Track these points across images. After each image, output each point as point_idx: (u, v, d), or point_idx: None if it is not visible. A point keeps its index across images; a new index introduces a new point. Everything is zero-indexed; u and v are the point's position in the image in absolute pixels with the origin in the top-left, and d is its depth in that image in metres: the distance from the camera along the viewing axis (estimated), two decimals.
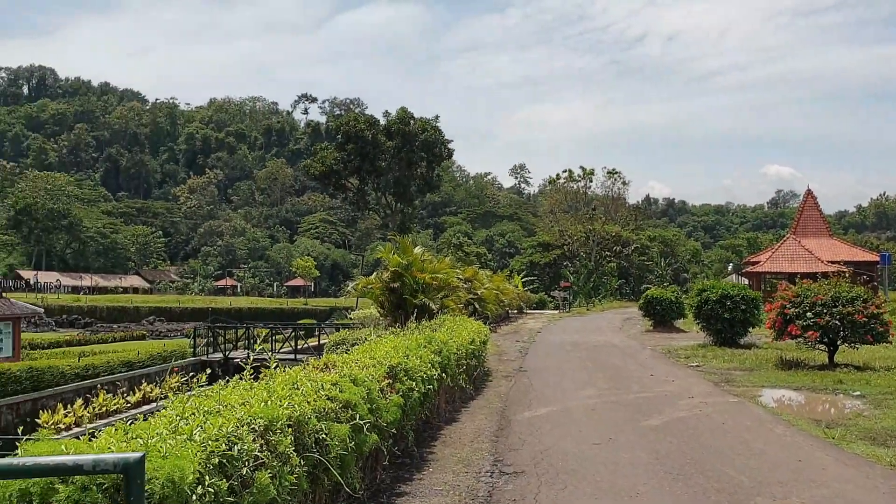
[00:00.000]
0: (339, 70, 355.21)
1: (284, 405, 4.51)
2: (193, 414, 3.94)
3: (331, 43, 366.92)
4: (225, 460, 3.51)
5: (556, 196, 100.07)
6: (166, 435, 3.43)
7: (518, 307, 51.57)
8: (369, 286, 21.53)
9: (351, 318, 32.74)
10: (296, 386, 5.23)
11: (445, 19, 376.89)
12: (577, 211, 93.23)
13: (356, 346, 10.45)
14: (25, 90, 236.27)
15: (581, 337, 31.07)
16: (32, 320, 53.21)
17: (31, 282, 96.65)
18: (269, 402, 4.39)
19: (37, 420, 19.81)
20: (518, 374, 18.74)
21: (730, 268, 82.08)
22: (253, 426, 3.95)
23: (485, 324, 21.82)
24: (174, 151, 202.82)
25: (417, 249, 21.94)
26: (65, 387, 21.56)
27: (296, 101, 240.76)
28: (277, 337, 31.14)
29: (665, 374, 18.43)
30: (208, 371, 28.64)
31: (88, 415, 21.65)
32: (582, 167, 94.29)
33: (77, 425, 21.10)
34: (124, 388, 24.10)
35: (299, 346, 29.74)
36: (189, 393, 4.75)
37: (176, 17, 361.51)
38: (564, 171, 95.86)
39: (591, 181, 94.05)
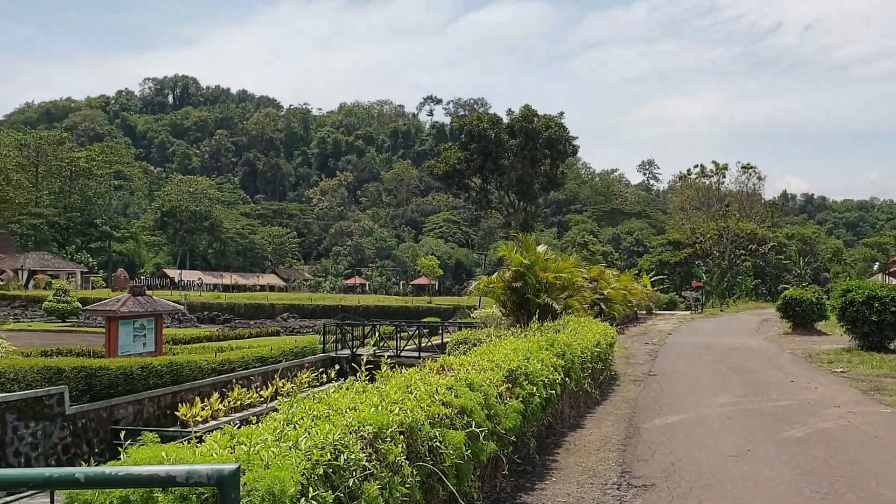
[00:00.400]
0: (463, 71, 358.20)
1: (395, 411, 4.32)
2: (302, 418, 3.81)
3: (456, 44, 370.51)
4: (331, 470, 3.34)
5: (686, 192, 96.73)
6: (271, 442, 3.30)
7: (647, 308, 50.04)
8: (490, 285, 21.33)
9: (473, 318, 32.68)
10: (409, 390, 5.04)
11: (570, 16, 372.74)
12: (709, 208, 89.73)
13: (476, 347, 10.25)
14: (170, 99, 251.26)
15: (714, 339, 29.69)
16: (176, 317, 56.28)
17: (176, 280, 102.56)
18: (380, 408, 4.21)
19: (176, 413, 20.75)
20: (647, 379, 18.00)
21: (875, 267, 76.58)
22: (361, 433, 3.77)
23: (611, 325, 21.14)
24: (307, 155, 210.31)
25: (540, 248, 21.54)
26: (202, 381, 22.49)
27: (421, 102, 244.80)
28: (402, 334, 31.47)
29: (806, 381, 17.20)
30: (337, 367, 29.43)
31: (224, 408, 22.50)
32: (714, 162, 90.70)
33: (213, 418, 21.95)
34: (258, 383, 24.96)
35: (423, 344, 29.95)
36: (303, 395, 4.65)
37: (309, 25, 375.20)
38: (696, 167, 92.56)
39: (724, 176, 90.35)
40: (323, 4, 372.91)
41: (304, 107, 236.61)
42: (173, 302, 60.55)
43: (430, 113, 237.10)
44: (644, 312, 49.51)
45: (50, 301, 54.03)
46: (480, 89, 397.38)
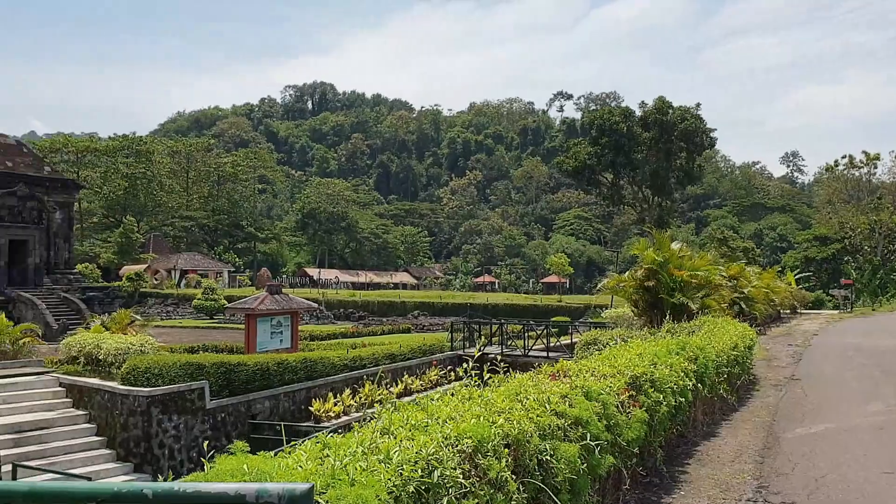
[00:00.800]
0: (594, 66, 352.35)
1: (500, 422, 4.07)
2: (399, 427, 3.63)
3: (587, 39, 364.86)
4: (423, 488, 3.13)
5: (834, 185, 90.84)
6: (360, 454, 3.13)
7: (791, 307, 47.25)
8: (621, 284, 20.66)
9: (604, 317, 31.87)
10: (519, 398, 4.77)
11: (706, 6, 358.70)
12: (859, 201, 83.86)
13: (604, 349, 9.83)
14: (309, 105, 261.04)
15: (865, 340, 27.53)
16: (314, 314, 58.28)
17: (315, 278, 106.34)
18: (484, 417, 3.97)
19: (310, 408, 21.32)
20: (790, 383, 16.83)
21: None
22: (460, 446, 3.54)
23: (751, 325, 19.97)
24: (438, 155, 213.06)
25: (675, 245, 20.67)
26: (335, 377, 23.01)
27: (551, 99, 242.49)
28: (530, 334, 31.06)
29: None
30: (464, 365, 29.47)
31: (356, 404, 22.93)
32: (865, 152, 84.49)
33: (345, 414, 22.41)
34: (388, 380, 25.28)
35: (552, 344, 29.44)
36: (408, 399, 4.48)
37: (440, 28, 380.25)
38: (844, 157, 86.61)
39: (875, 167, 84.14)
40: (453, 7, 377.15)
41: (434, 108, 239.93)
42: (311, 300, 62.86)
43: (561, 109, 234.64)
44: (788, 312, 46.77)
45: (199, 299, 57.20)
46: (612, 84, 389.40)
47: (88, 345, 19.52)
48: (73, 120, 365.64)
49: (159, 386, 17.46)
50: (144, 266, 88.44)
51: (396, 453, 3.18)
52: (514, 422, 4.19)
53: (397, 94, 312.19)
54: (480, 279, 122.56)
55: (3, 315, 25.42)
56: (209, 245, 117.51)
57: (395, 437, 3.40)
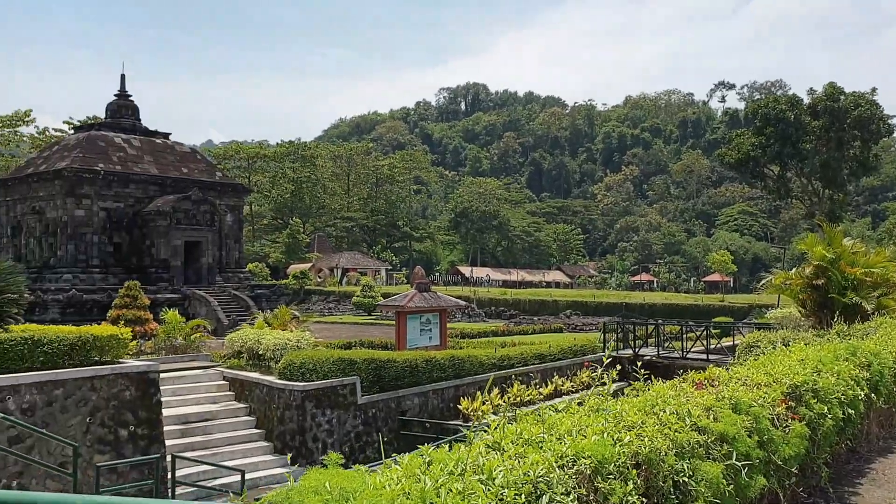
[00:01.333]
0: (758, 53, 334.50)
1: (627, 438, 3.66)
2: (511, 443, 3.33)
3: (750, 26, 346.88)
4: None
5: None
6: (459, 473, 2.85)
7: None
8: (788, 282, 19.23)
9: (768, 318, 29.93)
10: (654, 410, 4.32)
11: None
12: None
13: (763, 354, 9.05)
14: (462, 106, 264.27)
15: None
16: (466, 311, 58.85)
17: (468, 276, 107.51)
18: (608, 433, 3.59)
19: (458, 406, 21.35)
20: None
21: None
22: (577, 467, 3.18)
23: None
24: (592, 151, 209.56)
25: (847, 241, 19.01)
26: (483, 375, 22.94)
27: (712, 89, 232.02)
28: (689, 335, 29.69)
29: None
30: (618, 367, 28.54)
31: (504, 404, 22.72)
32: None
33: (494, 413, 22.25)
34: (537, 380, 24.93)
35: (712, 346, 27.97)
36: (532, 407, 4.18)
37: (592, 22, 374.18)
38: None
39: None
40: (604, 1, 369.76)
41: (588, 103, 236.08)
42: (462, 298, 63.53)
43: (723, 99, 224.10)
44: None
45: (358, 296, 59.18)
46: (777, 72, 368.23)
47: (250, 340, 20.50)
48: (245, 128, 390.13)
49: (313, 381, 18.02)
50: (309, 265, 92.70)
51: (500, 473, 2.87)
52: (646, 438, 3.77)
53: (550, 91, 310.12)
54: (637, 278, 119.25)
55: (177, 311, 27.32)
56: (368, 244, 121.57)
57: (503, 454, 3.10)
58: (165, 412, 17.96)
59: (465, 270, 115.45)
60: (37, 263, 46.24)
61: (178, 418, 17.76)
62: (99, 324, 28.70)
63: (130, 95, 52.28)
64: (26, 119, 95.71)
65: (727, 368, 6.53)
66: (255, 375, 19.22)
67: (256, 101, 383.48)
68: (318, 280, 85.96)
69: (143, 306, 26.06)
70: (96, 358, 13.95)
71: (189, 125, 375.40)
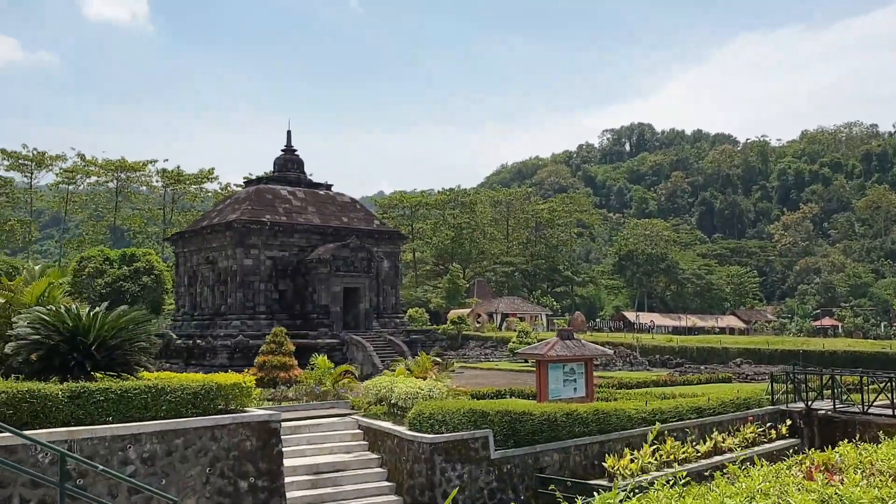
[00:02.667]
0: None
1: None
2: None
3: None
4: None
5: None
6: None
7: None
8: None
9: None
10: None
11: None
12: None
13: None
14: (627, 147, 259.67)
15: None
16: (628, 360, 56.38)
17: (633, 322, 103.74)
18: None
19: (603, 463, 19.88)
20: None
21: None
22: None
23: None
24: (766, 189, 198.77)
25: None
26: (631, 431, 21.33)
27: None
28: (872, 387, 26.43)
29: None
30: (788, 422, 25.79)
31: (655, 462, 20.99)
32: None
33: (643, 472, 20.58)
34: (693, 436, 22.92)
35: None
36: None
37: (765, 56, 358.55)
38: None
39: None
40: (781, 33, 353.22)
41: (761, 139, 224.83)
42: (624, 345, 61.07)
43: None
44: None
45: (513, 342, 58.31)
46: None
47: (383, 388, 20.17)
48: (413, 178, 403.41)
49: (442, 433, 17.31)
50: (469, 310, 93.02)
51: None
52: None
53: (719, 129, 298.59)
54: (819, 323, 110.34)
55: (329, 356, 27.71)
56: (529, 289, 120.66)
57: None
58: (298, 461, 17.89)
59: (631, 316, 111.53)
60: (210, 310, 49.09)
61: (310, 468, 17.59)
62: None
63: (296, 150, 54.97)
64: (210, 176, 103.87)
65: (856, 447, 5.10)
66: (386, 425, 18.79)
67: (424, 152, 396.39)
68: (476, 325, 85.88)
69: (288, 352, 26.60)
70: (221, 406, 13.97)
71: (363, 177, 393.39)
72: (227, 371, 30.95)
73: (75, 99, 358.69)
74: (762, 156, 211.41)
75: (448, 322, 79.98)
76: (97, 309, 13.51)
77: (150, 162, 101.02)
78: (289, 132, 54.92)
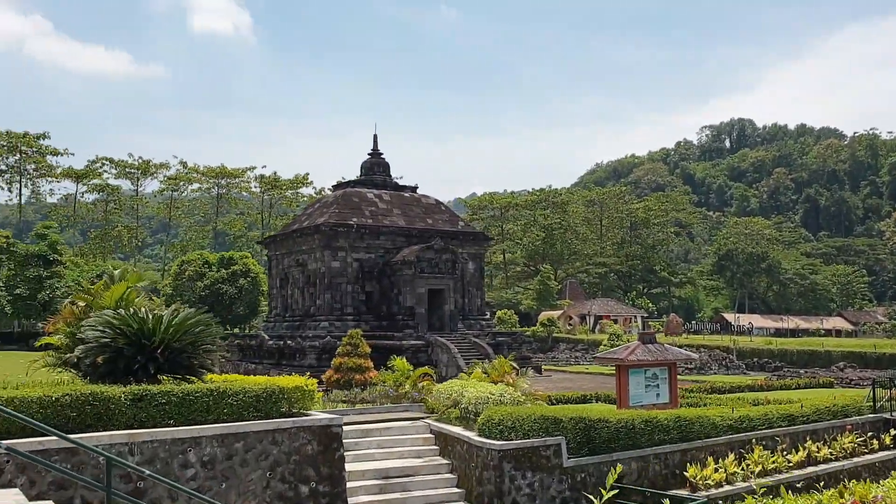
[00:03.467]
0: None
1: None
2: None
3: None
4: None
5: None
6: None
7: None
8: None
9: None
10: None
11: None
12: None
13: None
14: (727, 143, 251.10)
15: None
16: (724, 363, 54.28)
17: (733, 324, 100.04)
18: None
19: (685, 473, 18.98)
20: None
21: None
22: None
23: None
24: (876, 184, 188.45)
25: None
26: (715, 439, 20.28)
27: None
28: None
29: None
30: (892, 432, 24.03)
31: (742, 472, 19.93)
32: None
33: (728, 483, 19.60)
34: (784, 445, 21.65)
35: None
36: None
37: (875, 46, 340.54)
38: None
39: None
40: (887, 23, 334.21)
41: (871, 132, 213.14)
42: (721, 348, 58.79)
43: None
44: None
45: (604, 345, 57.04)
46: None
47: (454, 392, 19.85)
48: (505, 179, 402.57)
49: (512, 439, 16.86)
50: (560, 312, 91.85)
51: None
52: None
53: (825, 122, 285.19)
54: None
55: (405, 358, 27.61)
56: (623, 290, 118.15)
57: None
58: (367, 465, 17.77)
59: (730, 318, 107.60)
60: (300, 312, 50.05)
61: (379, 472, 17.43)
62: None
63: (382, 153, 55.46)
64: (305, 181, 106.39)
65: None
66: (457, 430, 18.46)
67: (516, 153, 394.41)
68: (567, 328, 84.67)
69: (364, 354, 26.63)
70: (284, 410, 13.97)
71: (456, 180, 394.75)
72: (315, 372, 31.44)
73: (179, 109, 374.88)
74: (871, 150, 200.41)
75: (538, 324, 79.12)
76: (163, 312, 13.73)
77: (249, 168, 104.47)
78: (375, 136, 55.48)
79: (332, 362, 26.72)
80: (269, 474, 13.13)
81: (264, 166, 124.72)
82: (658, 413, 20.05)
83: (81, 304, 16.87)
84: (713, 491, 18.98)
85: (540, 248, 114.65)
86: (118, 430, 11.99)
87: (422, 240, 48.88)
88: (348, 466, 17.31)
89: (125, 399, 12.18)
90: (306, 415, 14.22)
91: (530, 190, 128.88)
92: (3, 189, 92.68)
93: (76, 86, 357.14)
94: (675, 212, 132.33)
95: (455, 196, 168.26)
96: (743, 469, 20.00)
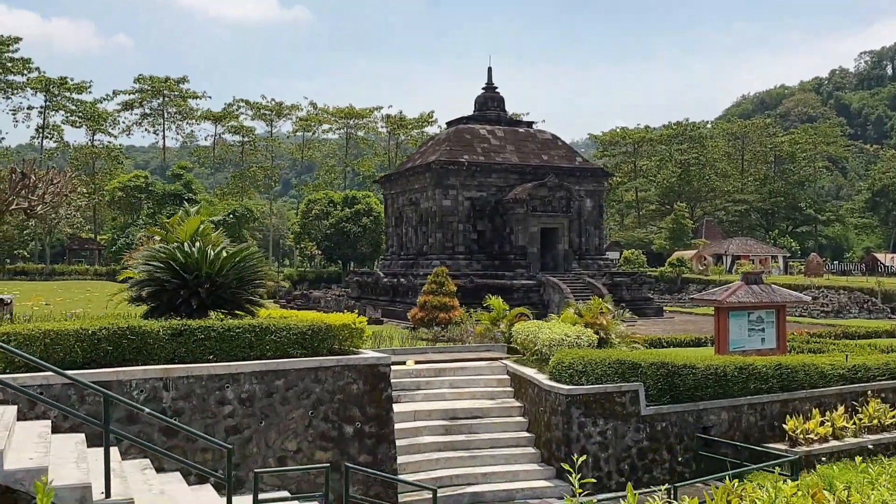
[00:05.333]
0: None
1: None
2: None
3: None
4: None
5: None
6: None
7: None
8: None
9: None
10: None
11: None
12: None
13: None
14: (889, 70, 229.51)
15: None
16: (866, 306, 50.17)
17: (887, 264, 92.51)
18: None
19: (783, 425, 17.38)
20: None
21: None
22: None
23: None
24: None
25: None
26: (823, 389, 18.42)
27: None
28: None
29: None
30: None
31: (853, 427, 18.07)
32: None
33: (836, 438, 17.83)
34: None
35: None
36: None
37: None
38: None
39: None
40: None
41: None
42: (864, 290, 54.17)
43: None
44: None
45: None
46: None
47: (530, 333, 18.96)
48: (648, 114, 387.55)
49: (582, 384, 15.85)
50: (693, 252, 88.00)
51: None
52: None
53: None
54: None
55: (499, 298, 26.84)
56: (765, 229, 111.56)
57: None
58: (434, 405, 17.30)
59: (883, 258, 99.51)
60: (413, 250, 50.16)
61: (445, 413, 16.93)
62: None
63: (496, 87, 53.91)
64: (430, 120, 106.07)
65: None
66: (529, 372, 17.61)
67: (656, 86, 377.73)
68: (700, 268, 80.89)
69: (449, 293, 26.02)
70: (335, 347, 13.60)
71: (595, 115, 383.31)
72: None
73: (313, 51, 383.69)
74: None
75: (666, 264, 76.06)
76: (210, 248, 13.55)
77: (376, 108, 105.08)
78: (489, 69, 53.93)
79: (417, 300, 26.34)
80: (312, 413, 12.83)
81: (390, 106, 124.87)
82: (757, 359, 18.39)
83: (157, 238, 17.14)
84: (816, 446, 17.29)
85: (675, 186, 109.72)
86: (157, 364, 11.96)
87: (535, 177, 47.42)
88: (415, 406, 16.96)
89: (164, 334, 12.10)
90: (354, 353, 13.79)
91: (665, 124, 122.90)
92: (148, 132, 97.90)
93: (220, 32, 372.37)
94: (825, 145, 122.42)
95: (588, 132, 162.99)
96: (854, 423, 18.12)
